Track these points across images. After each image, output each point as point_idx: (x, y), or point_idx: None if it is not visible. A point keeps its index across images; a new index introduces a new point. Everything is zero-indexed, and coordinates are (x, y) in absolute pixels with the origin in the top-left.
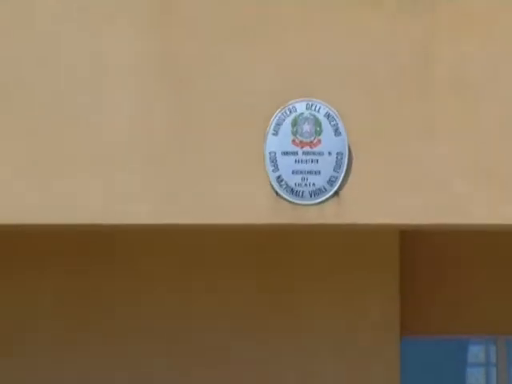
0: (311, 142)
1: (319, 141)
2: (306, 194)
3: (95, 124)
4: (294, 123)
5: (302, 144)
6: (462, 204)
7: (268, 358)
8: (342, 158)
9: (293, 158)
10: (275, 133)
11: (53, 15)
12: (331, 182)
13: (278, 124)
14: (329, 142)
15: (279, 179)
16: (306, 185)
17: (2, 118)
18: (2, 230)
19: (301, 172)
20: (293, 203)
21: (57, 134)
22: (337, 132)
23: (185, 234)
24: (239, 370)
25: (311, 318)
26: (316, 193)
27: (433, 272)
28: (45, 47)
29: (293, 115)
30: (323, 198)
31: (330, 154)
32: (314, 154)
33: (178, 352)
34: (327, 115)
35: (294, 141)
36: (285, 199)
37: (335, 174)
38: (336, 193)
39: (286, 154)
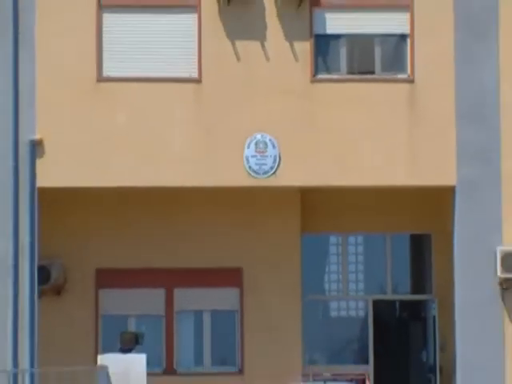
0: (262, 151)
1: (265, 150)
2: (261, 172)
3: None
4: (256, 143)
5: (259, 152)
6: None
7: None
8: (276, 158)
9: (255, 158)
10: (248, 147)
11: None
12: (271, 168)
13: (249, 143)
14: (270, 151)
15: (249, 166)
16: (260, 169)
17: None
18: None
19: (259, 163)
20: (254, 177)
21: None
22: (274, 146)
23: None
24: None
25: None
26: (265, 172)
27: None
28: None
29: (255, 139)
30: (268, 175)
31: (270, 156)
32: (263, 156)
33: None
34: (269, 139)
35: (255, 150)
36: (251, 176)
37: (272, 165)
38: (274, 173)
39: (253, 156)
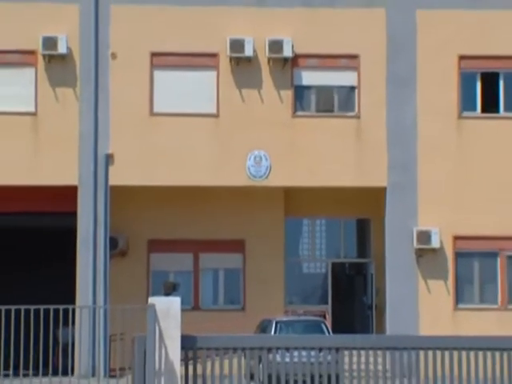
0: (259, 162)
1: (261, 162)
2: (257, 176)
3: None
4: (254, 157)
5: (256, 163)
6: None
7: None
8: (268, 168)
9: (254, 167)
10: (249, 160)
11: None
12: (264, 174)
13: (250, 156)
14: (264, 162)
15: (250, 173)
16: (257, 174)
17: None
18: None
19: (256, 171)
20: (253, 180)
21: None
22: (266, 159)
23: None
24: None
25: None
26: (260, 176)
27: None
28: None
29: (254, 154)
30: (262, 179)
31: (264, 166)
32: (259, 166)
33: None
34: (263, 155)
35: (254, 162)
36: (251, 179)
37: (265, 172)
38: (266, 177)
39: (252, 166)
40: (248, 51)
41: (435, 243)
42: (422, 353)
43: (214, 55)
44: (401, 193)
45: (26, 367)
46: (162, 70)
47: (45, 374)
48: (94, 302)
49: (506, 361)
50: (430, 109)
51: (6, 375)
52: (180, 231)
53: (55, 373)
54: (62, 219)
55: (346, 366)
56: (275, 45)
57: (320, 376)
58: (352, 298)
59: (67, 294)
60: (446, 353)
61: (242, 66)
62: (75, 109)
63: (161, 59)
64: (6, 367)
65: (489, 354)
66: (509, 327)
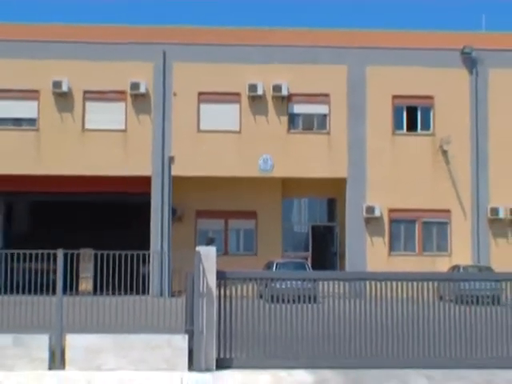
0: (266, 162)
1: (267, 162)
2: (265, 171)
3: None
4: (263, 159)
5: (264, 162)
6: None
7: None
8: (272, 165)
9: (263, 164)
10: (260, 160)
11: None
12: (269, 169)
13: (261, 158)
14: (269, 162)
15: (261, 168)
16: (265, 169)
17: None
18: None
19: (264, 167)
20: (262, 173)
21: None
22: (271, 160)
23: None
24: None
25: None
26: (267, 171)
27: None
28: None
29: (263, 157)
30: (268, 172)
31: (269, 164)
32: (266, 164)
33: None
34: (269, 157)
35: (263, 161)
36: (261, 172)
37: (270, 168)
38: (271, 171)
39: (262, 164)
40: (259, 91)
41: (377, 214)
42: (367, 282)
43: (238, 94)
44: (355, 182)
45: (125, 290)
46: (205, 104)
47: (132, 294)
48: (162, 249)
49: (420, 288)
50: (374, 128)
51: (113, 294)
52: (216, 205)
53: (138, 293)
54: (141, 197)
55: (320, 290)
56: (277, 87)
57: (303, 296)
58: (324, 248)
59: (144, 244)
60: (383, 282)
61: (256, 101)
62: (152, 127)
63: (204, 97)
64: (113, 290)
65: (409, 283)
66: (422, 267)
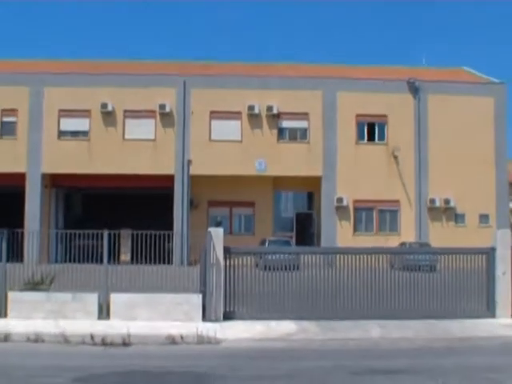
0: (261, 164)
1: (262, 164)
2: (260, 171)
3: None
4: (259, 162)
5: (260, 164)
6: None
7: None
8: (266, 167)
9: (259, 166)
10: (257, 163)
11: None
12: (264, 169)
13: (257, 161)
14: (263, 164)
15: (257, 169)
16: (260, 170)
17: None
18: None
19: (260, 168)
20: (258, 172)
21: None
22: (265, 163)
23: None
24: None
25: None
26: (262, 171)
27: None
28: None
29: (259, 160)
30: (262, 172)
31: (263, 166)
32: (261, 166)
33: None
34: (264, 161)
35: (258, 164)
36: (257, 171)
37: (264, 169)
38: (265, 171)
39: (258, 165)
40: (256, 111)
41: (345, 203)
42: (337, 255)
43: (239, 113)
44: (328, 179)
45: (154, 260)
46: (215, 120)
47: (159, 263)
48: (182, 230)
49: (376, 259)
50: (342, 139)
51: (145, 263)
52: (223, 196)
53: (164, 263)
54: (166, 190)
55: (302, 261)
56: (269, 108)
57: (289, 265)
58: (305, 229)
59: (169, 226)
60: (349, 255)
61: (253, 118)
62: (175, 138)
63: (214, 114)
64: (145, 261)
65: (369, 255)
66: (378, 243)
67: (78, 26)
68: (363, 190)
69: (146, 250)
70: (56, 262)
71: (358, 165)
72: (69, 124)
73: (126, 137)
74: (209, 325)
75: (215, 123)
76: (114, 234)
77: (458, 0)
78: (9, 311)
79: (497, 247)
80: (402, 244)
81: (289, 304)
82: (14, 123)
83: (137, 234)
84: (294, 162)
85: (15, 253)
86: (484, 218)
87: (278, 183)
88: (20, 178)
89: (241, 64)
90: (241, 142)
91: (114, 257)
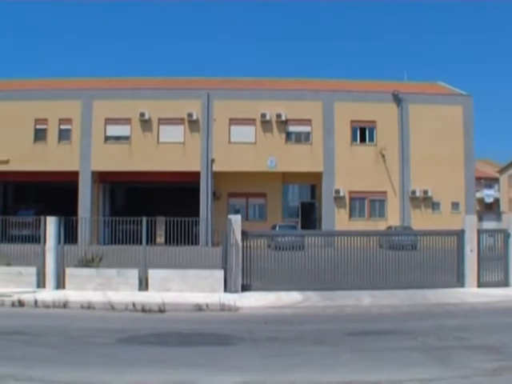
0: (272, 161)
1: (273, 161)
2: (272, 167)
3: None
4: (270, 160)
5: (271, 162)
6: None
7: None
8: (276, 164)
9: (270, 163)
10: (268, 161)
11: None
12: (274, 166)
13: (268, 159)
14: (273, 161)
15: (269, 166)
16: (271, 167)
17: None
18: None
19: (272, 165)
20: (270, 169)
21: None
22: (275, 161)
23: None
24: None
25: None
26: (273, 168)
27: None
28: None
29: (270, 158)
30: (273, 169)
31: (274, 163)
32: (272, 163)
33: None
34: (274, 159)
35: (270, 161)
36: (269, 168)
37: (275, 166)
38: (275, 167)
39: (269, 163)
40: (268, 118)
41: (342, 194)
42: (336, 237)
43: (254, 119)
44: (328, 174)
45: (184, 242)
46: (234, 125)
47: (188, 245)
48: (207, 217)
49: (368, 240)
50: (339, 141)
51: (177, 245)
52: (241, 189)
53: (192, 244)
54: (193, 184)
55: (306, 242)
56: (279, 115)
57: (295, 246)
58: (308, 216)
59: (196, 214)
60: (345, 237)
61: (265, 124)
62: (200, 141)
63: (233, 121)
64: (176, 242)
65: (362, 237)
66: (369, 227)
67: (120, 48)
68: (357, 183)
69: (177, 233)
70: (104, 243)
71: (353, 162)
72: (113, 130)
73: (160, 140)
74: (229, 295)
75: (233, 128)
76: (151, 221)
77: (439, 30)
78: (66, 284)
79: (466, 230)
80: (389, 227)
81: (295, 278)
82: (69, 130)
83: (169, 221)
84: (299, 160)
85: (71, 236)
86: (455, 205)
87: (286, 178)
88: (74, 175)
89: (254, 79)
90: (255, 143)
91: (150, 239)
